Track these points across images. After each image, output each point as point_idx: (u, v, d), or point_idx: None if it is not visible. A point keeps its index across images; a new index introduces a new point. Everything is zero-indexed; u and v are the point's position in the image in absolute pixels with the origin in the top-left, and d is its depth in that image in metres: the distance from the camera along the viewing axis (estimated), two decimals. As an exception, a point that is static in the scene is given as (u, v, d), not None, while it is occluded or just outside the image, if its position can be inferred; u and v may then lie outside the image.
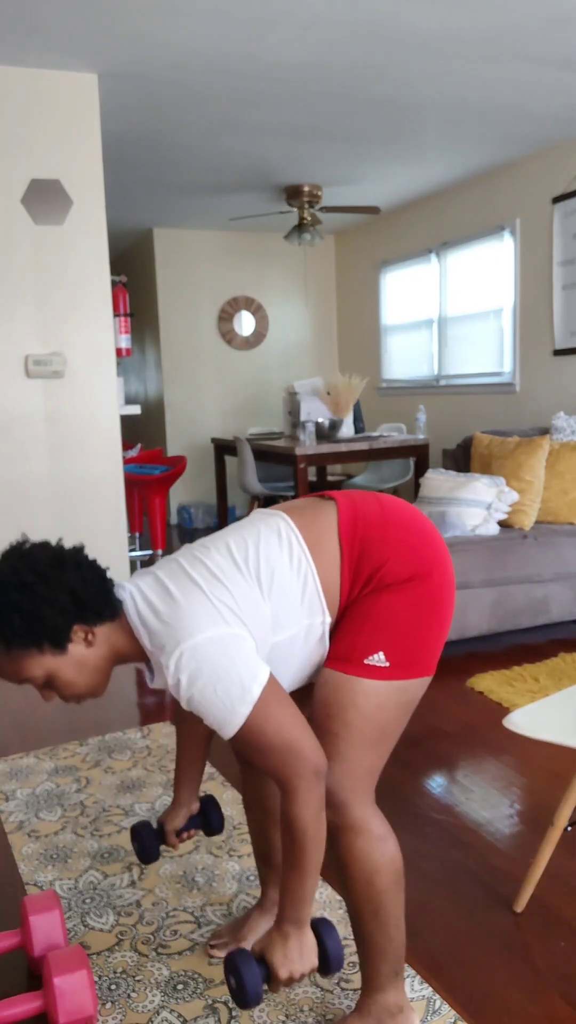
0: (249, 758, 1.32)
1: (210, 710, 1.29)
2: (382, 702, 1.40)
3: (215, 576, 1.36)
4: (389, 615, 1.40)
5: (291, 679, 1.46)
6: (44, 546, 1.36)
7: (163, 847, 1.76)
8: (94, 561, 1.39)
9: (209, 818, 1.73)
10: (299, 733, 1.30)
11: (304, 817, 1.28)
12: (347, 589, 1.41)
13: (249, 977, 1.28)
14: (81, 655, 1.35)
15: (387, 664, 1.39)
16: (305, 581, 1.39)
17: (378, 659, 1.39)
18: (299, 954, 1.32)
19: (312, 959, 1.33)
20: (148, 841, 1.68)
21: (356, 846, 1.40)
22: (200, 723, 1.68)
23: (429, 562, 1.43)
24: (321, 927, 1.35)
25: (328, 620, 1.42)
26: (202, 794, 1.75)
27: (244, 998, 1.29)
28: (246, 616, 1.33)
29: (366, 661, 1.39)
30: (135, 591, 1.37)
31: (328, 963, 1.34)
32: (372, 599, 1.40)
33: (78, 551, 1.38)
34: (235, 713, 1.28)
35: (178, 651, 1.28)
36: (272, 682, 1.31)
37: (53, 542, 1.45)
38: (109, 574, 2.49)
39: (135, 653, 1.39)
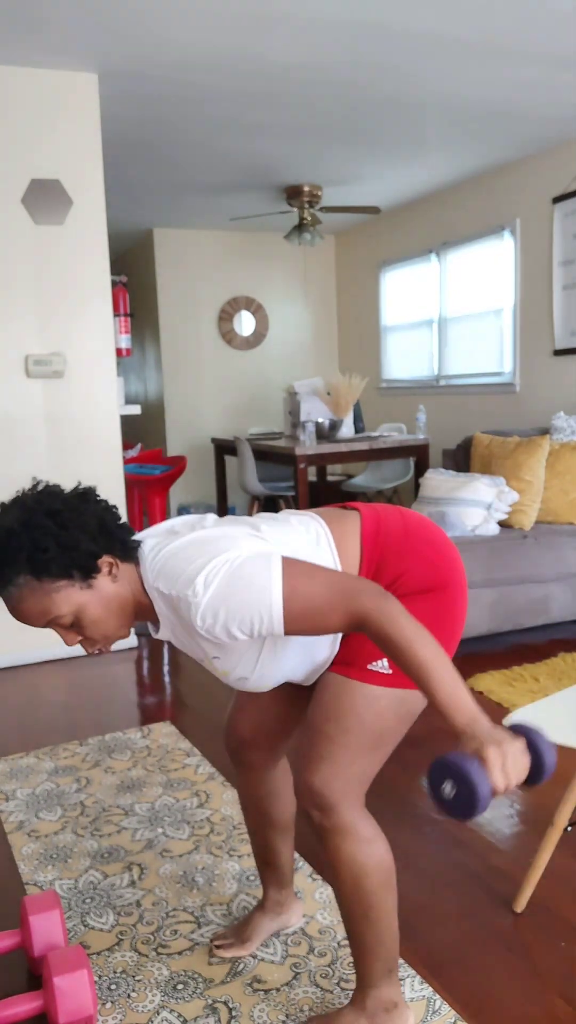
0: (319, 631, 1.26)
1: (250, 615, 1.24)
2: (381, 709, 1.40)
3: (230, 534, 1.37)
4: None
5: (291, 668, 1.45)
6: (58, 487, 1.37)
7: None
8: (108, 500, 1.41)
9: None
10: (338, 576, 1.26)
11: (402, 626, 1.20)
12: None
13: (478, 777, 1.10)
14: (107, 591, 1.33)
15: (390, 671, 1.40)
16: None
17: (381, 665, 1.39)
18: (516, 753, 1.16)
19: (527, 763, 1.17)
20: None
21: (344, 849, 1.40)
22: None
23: (446, 576, 1.44)
24: (528, 733, 1.19)
25: None
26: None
27: (473, 802, 1.09)
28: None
29: (369, 667, 1.40)
30: (148, 540, 1.40)
31: (542, 767, 1.17)
32: None
33: (94, 490, 1.39)
34: (273, 600, 1.23)
35: (200, 576, 1.26)
36: (286, 557, 1.28)
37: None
38: None
39: (147, 605, 1.38)
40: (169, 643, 4.03)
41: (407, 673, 1.21)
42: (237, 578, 1.25)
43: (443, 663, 1.19)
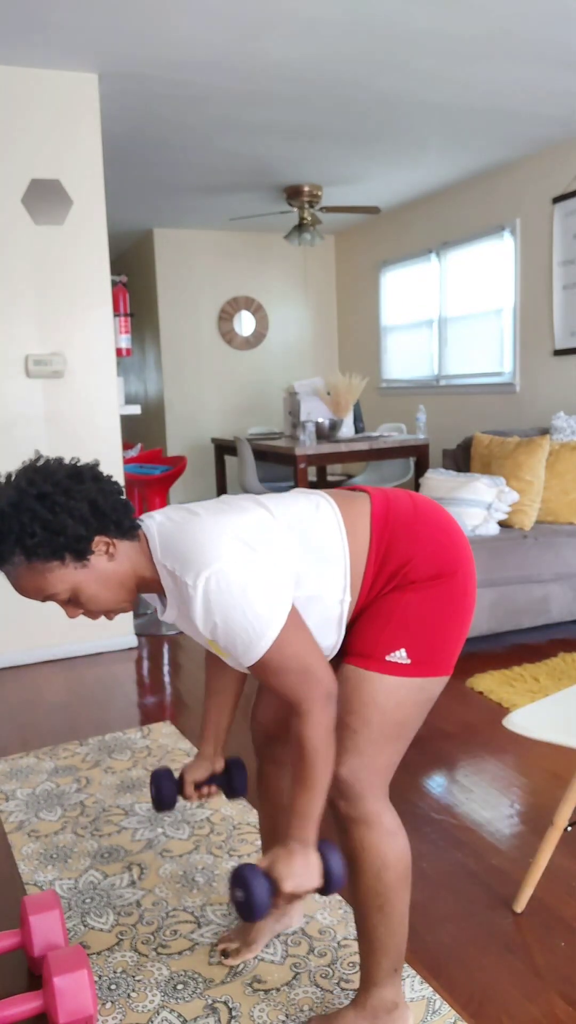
0: (262, 680, 1.33)
1: (236, 637, 1.29)
2: (401, 699, 1.41)
3: (243, 508, 1.38)
4: (413, 613, 1.41)
5: None
6: (59, 460, 1.36)
7: (179, 804, 1.77)
8: (110, 477, 1.39)
9: (232, 779, 1.71)
10: (314, 658, 1.32)
11: (316, 737, 1.30)
12: (371, 579, 1.42)
13: (258, 888, 1.30)
14: (104, 569, 1.34)
15: (408, 661, 1.40)
16: (334, 551, 1.40)
17: (400, 656, 1.40)
18: (304, 871, 1.32)
19: (316, 877, 1.33)
20: (166, 788, 1.67)
21: (368, 839, 1.40)
22: (230, 671, 1.68)
23: (455, 562, 1.44)
24: (324, 848, 1.37)
25: (348, 600, 1.42)
26: (231, 757, 1.75)
27: (251, 909, 1.30)
28: (271, 543, 1.34)
29: (388, 658, 1.40)
30: (157, 515, 1.40)
31: (330, 882, 1.36)
32: (396, 596, 1.41)
33: (94, 466, 1.38)
34: (262, 639, 1.28)
35: (206, 572, 1.27)
36: (294, 608, 1.32)
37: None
38: None
39: (154, 580, 1.38)
40: (169, 643, 4.03)
41: (294, 772, 1.33)
42: (243, 601, 1.27)
43: (323, 786, 1.32)
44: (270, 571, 1.31)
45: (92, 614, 1.39)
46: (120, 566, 1.35)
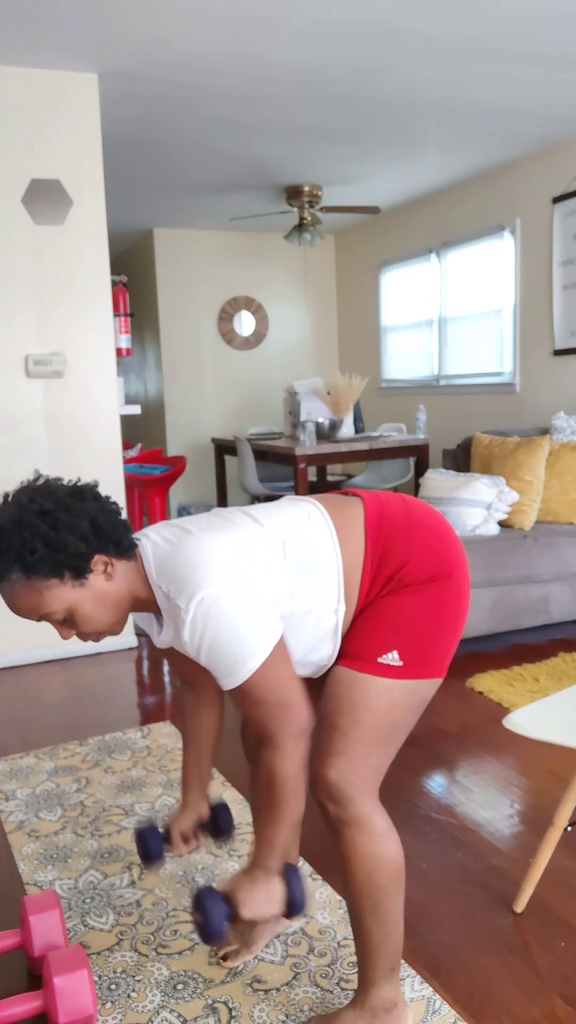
0: (238, 707, 1.34)
1: (220, 661, 1.30)
2: (393, 701, 1.41)
3: (235, 523, 1.38)
4: (406, 615, 1.41)
5: (296, 663, 1.45)
6: (59, 480, 1.38)
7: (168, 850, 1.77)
8: (108, 497, 1.40)
9: (218, 823, 1.72)
10: (294, 691, 1.33)
11: (285, 770, 1.32)
12: (367, 585, 1.42)
13: (215, 913, 1.34)
14: (101, 588, 1.34)
15: (401, 663, 1.40)
16: (327, 562, 1.40)
17: (392, 658, 1.40)
18: (264, 898, 1.36)
19: (275, 905, 1.37)
20: (152, 845, 1.68)
21: (359, 842, 1.40)
22: (205, 711, 1.68)
23: (449, 565, 1.44)
24: (288, 874, 1.40)
25: (343, 610, 1.42)
26: (215, 801, 1.75)
27: (208, 933, 1.35)
28: (263, 565, 1.35)
29: (380, 660, 1.40)
30: (152, 534, 1.40)
31: (292, 908, 1.40)
32: (390, 599, 1.42)
33: (94, 486, 1.39)
34: (244, 667, 1.29)
35: (198, 596, 1.28)
36: (281, 640, 1.33)
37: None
38: None
39: (149, 600, 1.39)
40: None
41: (262, 801, 1.34)
42: (231, 628, 1.28)
43: (291, 818, 1.35)
44: (260, 599, 1.32)
45: (84, 635, 1.39)
46: (117, 586, 1.36)
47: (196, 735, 1.70)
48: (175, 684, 3.48)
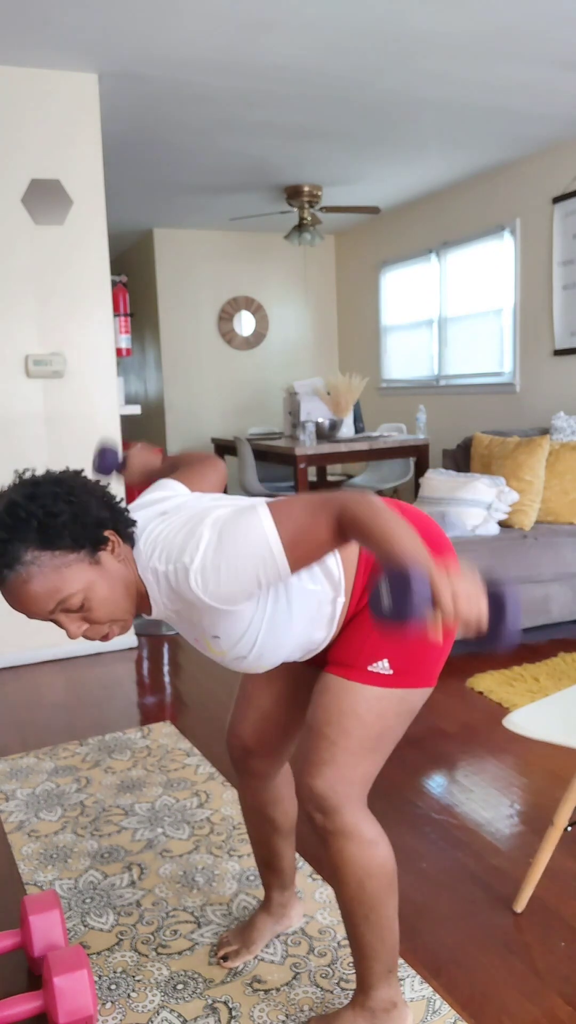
0: (320, 544, 1.22)
1: (252, 564, 1.21)
2: (382, 710, 1.40)
3: (213, 502, 1.36)
4: None
5: (288, 649, 1.43)
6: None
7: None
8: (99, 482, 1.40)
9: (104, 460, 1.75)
10: (315, 495, 1.25)
11: (361, 507, 1.18)
12: (360, 589, 1.41)
13: (418, 578, 1.03)
14: (112, 569, 1.28)
15: (390, 672, 1.39)
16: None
17: (382, 667, 1.39)
18: (471, 585, 1.08)
19: (481, 601, 1.07)
20: (109, 458, 1.75)
21: (347, 851, 1.39)
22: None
23: None
24: (503, 590, 1.09)
25: (342, 601, 1.41)
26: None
27: (407, 603, 1.03)
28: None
29: (370, 668, 1.39)
30: (137, 511, 1.40)
31: (502, 625, 1.06)
32: None
33: (81, 472, 1.38)
34: (269, 533, 1.21)
35: (194, 537, 1.24)
36: (268, 500, 1.27)
37: None
38: None
39: (140, 592, 1.34)
40: (169, 643, 4.02)
41: (380, 558, 1.15)
42: (229, 530, 1.23)
43: (416, 543, 1.14)
44: (233, 503, 1.32)
45: (96, 627, 1.30)
46: (126, 567, 1.30)
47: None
48: (175, 684, 3.48)
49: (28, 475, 1.32)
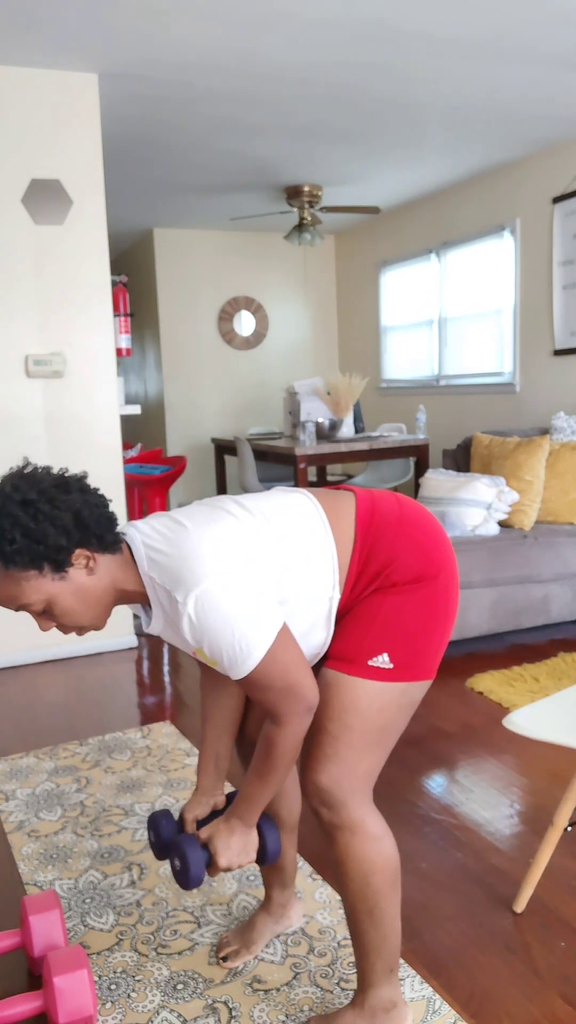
0: (247, 691, 1.35)
1: (223, 655, 1.29)
2: (384, 704, 1.40)
3: (228, 512, 1.37)
4: (395, 616, 1.40)
5: None
6: (48, 469, 1.35)
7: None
8: (97, 489, 1.38)
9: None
10: (301, 675, 1.33)
11: (286, 743, 1.34)
12: (354, 578, 1.41)
13: (193, 859, 1.42)
14: (82, 583, 1.31)
15: (391, 666, 1.39)
16: (320, 548, 1.39)
17: (382, 661, 1.39)
18: (241, 847, 1.44)
19: (251, 854, 1.45)
20: (166, 832, 1.58)
21: (353, 846, 1.40)
22: (226, 691, 1.64)
23: (438, 565, 1.43)
24: (263, 825, 1.48)
25: (336, 596, 1.41)
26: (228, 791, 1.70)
27: (186, 878, 1.42)
28: (258, 554, 1.33)
29: (370, 663, 1.39)
30: (142, 525, 1.37)
31: (265, 857, 1.49)
32: (379, 599, 1.41)
33: (82, 478, 1.36)
34: (248, 659, 1.29)
35: (196, 591, 1.26)
36: (284, 626, 1.32)
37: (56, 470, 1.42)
38: None
39: (136, 592, 1.36)
40: (169, 643, 4.02)
41: (255, 763, 1.38)
42: (231, 622, 1.27)
43: (277, 784, 1.40)
44: (259, 590, 1.30)
45: (65, 628, 1.36)
46: (100, 581, 1.33)
47: (216, 715, 1.65)
48: (175, 684, 3.48)
49: (22, 468, 1.34)
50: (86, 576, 1.31)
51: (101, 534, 1.31)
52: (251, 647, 1.28)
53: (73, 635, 3.87)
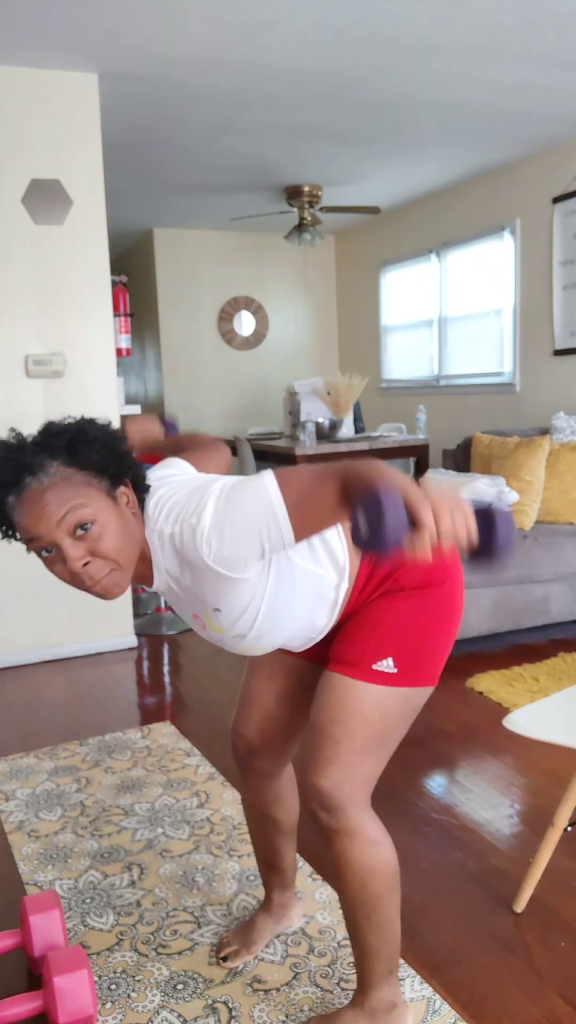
0: (325, 509, 1.18)
1: (252, 519, 1.19)
2: (386, 709, 1.40)
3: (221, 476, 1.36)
4: (401, 621, 1.40)
5: (289, 632, 1.42)
6: None
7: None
8: None
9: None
10: (328, 464, 1.22)
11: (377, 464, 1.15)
12: (363, 580, 1.41)
13: (393, 512, 1.00)
14: (125, 514, 1.28)
15: (395, 671, 1.39)
16: (331, 535, 1.39)
17: (386, 665, 1.39)
18: (457, 509, 1.08)
19: (467, 508, 1.08)
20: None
21: (351, 850, 1.39)
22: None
23: (445, 571, 1.44)
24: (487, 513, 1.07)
25: (345, 587, 1.41)
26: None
27: (383, 529, 1.00)
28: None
29: (374, 667, 1.39)
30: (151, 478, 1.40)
31: (494, 538, 1.04)
32: (385, 604, 1.41)
33: None
34: (268, 491, 1.19)
35: (203, 499, 1.23)
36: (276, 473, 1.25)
37: None
38: None
39: (143, 558, 1.32)
40: (169, 643, 4.02)
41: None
42: (235, 493, 1.22)
43: (403, 478, 1.12)
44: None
45: (96, 562, 1.24)
46: (136, 523, 1.30)
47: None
48: (175, 684, 3.48)
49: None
50: (128, 510, 1.29)
51: (139, 475, 1.33)
52: (264, 486, 1.19)
53: (75, 626, 3.87)
